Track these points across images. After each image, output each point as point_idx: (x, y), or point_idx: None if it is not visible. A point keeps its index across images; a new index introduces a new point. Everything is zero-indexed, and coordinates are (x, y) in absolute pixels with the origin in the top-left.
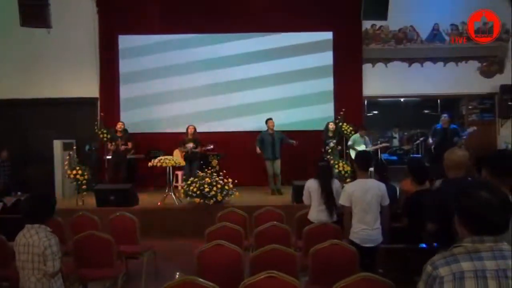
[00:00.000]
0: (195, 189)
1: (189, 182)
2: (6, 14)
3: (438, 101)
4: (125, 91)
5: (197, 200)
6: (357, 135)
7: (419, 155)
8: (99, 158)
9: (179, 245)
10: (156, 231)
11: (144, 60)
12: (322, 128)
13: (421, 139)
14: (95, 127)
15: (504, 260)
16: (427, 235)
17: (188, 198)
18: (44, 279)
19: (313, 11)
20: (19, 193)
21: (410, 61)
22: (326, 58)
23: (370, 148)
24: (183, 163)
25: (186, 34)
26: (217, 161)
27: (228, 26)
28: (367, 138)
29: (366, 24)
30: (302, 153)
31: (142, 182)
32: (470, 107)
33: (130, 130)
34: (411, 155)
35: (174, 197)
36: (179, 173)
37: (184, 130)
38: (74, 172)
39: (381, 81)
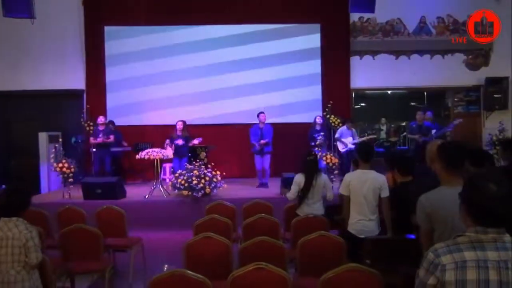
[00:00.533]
0: (183, 182)
1: (177, 174)
2: None
3: (425, 93)
4: (111, 83)
5: (185, 192)
6: (344, 127)
7: (406, 147)
8: (85, 150)
9: (167, 237)
10: (144, 224)
11: (131, 52)
12: (310, 120)
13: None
14: (81, 119)
15: (505, 252)
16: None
17: (176, 190)
18: (24, 271)
19: (301, 3)
20: (3, 186)
21: (397, 53)
22: (314, 49)
23: (357, 140)
24: (171, 155)
25: (172, 25)
26: (205, 154)
27: (215, 16)
28: (354, 130)
29: (354, 17)
30: (291, 146)
31: (129, 175)
32: (456, 99)
33: (117, 123)
34: (397, 148)
35: (162, 190)
36: (167, 165)
37: (172, 123)
38: (60, 165)
39: (368, 74)
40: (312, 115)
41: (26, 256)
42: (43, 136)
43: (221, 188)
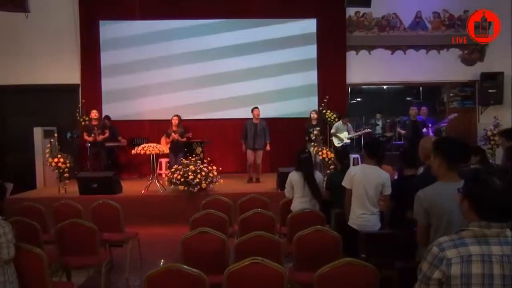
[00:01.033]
0: (179, 177)
1: (173, 169)
2: None
3: (420, 88)
4: (107, 78)
5: (181, 187)
6: (340, 122)
7: (401, 142)
8: (81, 145)
9: (163, 232)
10: (140, 219)
11: (126, 47)
12: (306, 115)
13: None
14: (77, 114)
15: (508, 246)
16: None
17: (172, 185)
18: None
19: None
20: None
21: (393, 48)
22: (310, 45)
23: (353, 134)
24: (167, 150)
25: (167, 20)
26: (201, 149)
27: (210, 12)
28: (349, 125)
29: (350, 11)
30: (287, 141)
31: (125, 170)
32: (451, 94)
33: (113, 118)
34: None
35: (158, 185)
36: (163, 160)
37: (168, 118)
38: (56, 160)
39: (364, 69)
40: (308, 110)
41: None
42: (38, 131)
43: (217, 183)
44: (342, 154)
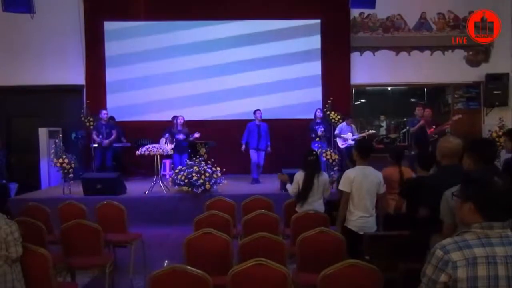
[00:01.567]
0: (183, 178)
1: (177, 170)
2: None
3: (425, 89)
4: (111, 78)
5: (185, 188)
6: (344, 123)
7: (405, 144)
8: (85, 146)
9: (167, 233)
10: (144, 219)
11: (130, 48)
12: (310, 116)
13: (407, 128)
14: (81, 115)
15: (511, 246)
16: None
17: (176, 186)
18: (6, 265)
19: None
20: (3, 181)
21: (398, 49)
22: (314, 46)
23: (357, 135)
24: (171, 151)
25: (171, 21)
26: (205, 150)
27: (215, 12)
28: (353, 126)
29: (354, 12)
30: (290, 142)
31: (129, 171)
32: (456, 95)
33: (117, 118)
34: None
35: (162, 186)
36: (167, 161)
37: (171, 118)
38: (61, 160)
39: (368, 70)
40: (312, 111)
41: (7, 250)
42: (43, 132)
43: (221, 184)
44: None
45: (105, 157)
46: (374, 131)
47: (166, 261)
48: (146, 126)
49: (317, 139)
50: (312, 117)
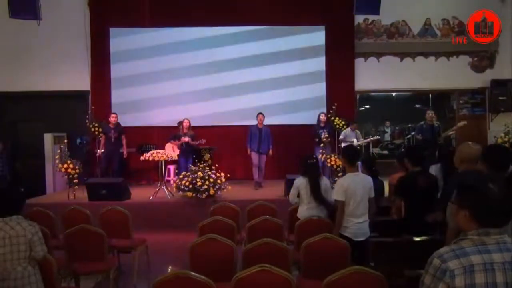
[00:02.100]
0: (187, 183)
1: (181, 176)
2: None
3: (430, 95)
4: (116, 84)
5: (189, 194)
6: (348, 129)
7: None
8: (90, 151)
9: (171, 239)
10: (148, 225)
11: (136, 54)
12: (313, 122)
13: (412, 133)
14: (86, 121)
15: (509, 253)
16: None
17: (180, 192)
18: (30, 267)
19: (305, 5)
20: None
21: (402, 55)
22: (318, 51)
23: (361, 141)
24: (175, 157)
25: (177, 28)
26: (209, 155)
27: (219, 19)
28: (358, 132)
29: (359, 18)
30: (295, 148)
31: (134, 176)
32: (461, 101)
33: (122, 124)
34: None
35: (166, 191)
36: (171, 167)
37: (175, 124)
38: (66, 166)
39: (373, 76)
40: (316, 116)
41: (32, 250)
42: (48, 137)
43: (225, 190)
44: (368, 162)
45: (112, 160)
46: (378, 137)
47: (170, 267)
48: (151, 131)
49: (321, 145)
50: (315, 123)
